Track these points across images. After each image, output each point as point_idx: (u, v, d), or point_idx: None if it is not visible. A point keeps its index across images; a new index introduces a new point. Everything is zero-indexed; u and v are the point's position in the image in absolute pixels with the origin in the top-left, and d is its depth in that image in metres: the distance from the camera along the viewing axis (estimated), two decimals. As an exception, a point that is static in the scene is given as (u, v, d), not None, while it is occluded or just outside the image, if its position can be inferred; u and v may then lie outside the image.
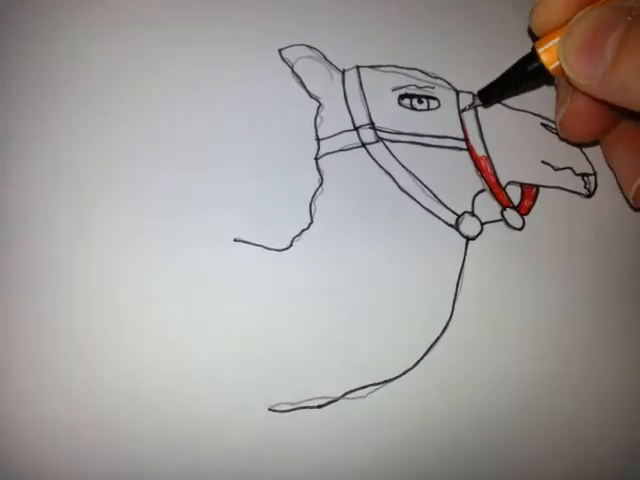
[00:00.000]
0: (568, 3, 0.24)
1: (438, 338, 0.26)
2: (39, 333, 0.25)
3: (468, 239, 0.27)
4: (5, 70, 0.27)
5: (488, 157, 0.28)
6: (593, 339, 0.27)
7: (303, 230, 0.27)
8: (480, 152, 0.28)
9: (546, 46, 0.25)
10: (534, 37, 0.26)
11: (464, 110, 0.29)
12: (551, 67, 0.25)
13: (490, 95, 0.27)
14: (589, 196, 0.29)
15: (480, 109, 0.29)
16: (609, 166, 0.29)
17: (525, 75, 0.26)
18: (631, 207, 0.29)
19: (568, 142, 0.29)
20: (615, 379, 0.27)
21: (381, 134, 0.28)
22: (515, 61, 0.26)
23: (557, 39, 0.24)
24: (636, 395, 0.27)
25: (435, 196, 0.28)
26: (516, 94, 0.29)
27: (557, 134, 0.29)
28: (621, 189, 0.28)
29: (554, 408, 0.27)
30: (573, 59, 0.23)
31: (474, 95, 0.28)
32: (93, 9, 0.28)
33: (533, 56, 0.25)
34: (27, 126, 0.26)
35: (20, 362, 0.24)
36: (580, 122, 0.26)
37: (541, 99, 0.29)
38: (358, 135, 0.28)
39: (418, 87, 0.29)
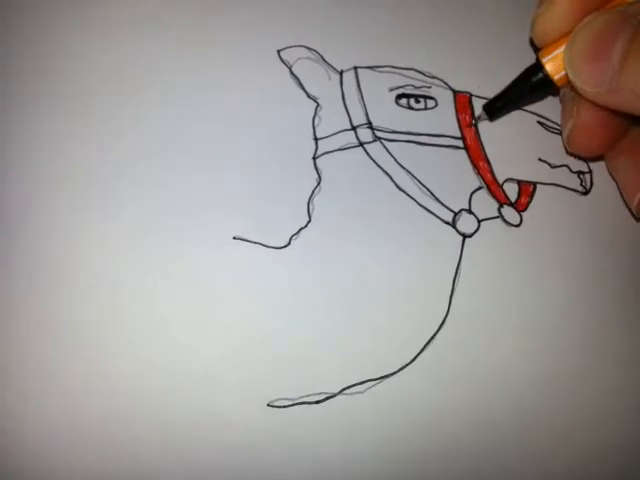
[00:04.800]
0: (572, 10, 0.23)
1: (435, 334, 0.26)
2: (41, 333, 0.25)
3: (465, 236, 0.28)
4: (6, 71, 0.27)
5: (485, 155, 0.29)
6: (590, 336, 0.27)
7: (301, 228, 0.27)
8: (477, 151, 0.29)
9: (550, 55, 0.24)
10: (535, 49, 0.26)
11: (472, 125, 0.28)
12: (556, 77, 0.24)
13: (495, 108, 0.27)
14: (585, 193, 0.29)
15: (477, 110, 0.29)
16: (612, 177, 0.29)
17: (530, 87, 0.26)
18: (634, 218, 0.28)
19: (576, 156, 0.29)
20: (613, 377, 0.27)
21: (378, 133, 0.28)
22: (518, 69, 0.26)
23: (562, 48, 0.24)
24: (635, 394, 0.27)
25: (432, 194, 0.28)
26: (522, 106, 0.29)
27: (554, 133, 0.29)
28: (624, 200, 0.28)
29: (552, 405, 0.27)
30: (579, 66, 0.23)
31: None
32: (93, 11, 0.28)
33: (537, 67, 0.25)
34: (28, 128, 0.27)
35: (22, 362, 0.25)
36: (588, 136, 0.26)
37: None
38: (356, 134, 0.28)
39: (415, 87, 0.29)
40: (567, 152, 0.28)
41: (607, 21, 0.22)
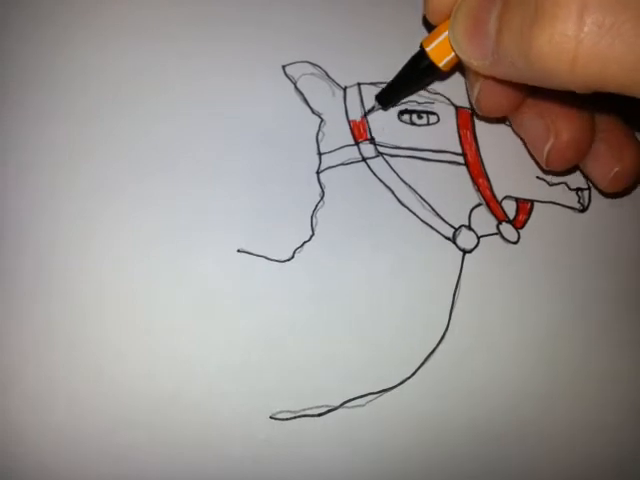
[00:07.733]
0: None
1: (435, 348, 0.27)
2: (45, 340, 0.25)
3: (465, 252, 0.28)
4: (7, 80, 0.27)
5: (485, 172, 0.29)
6: (588, 350, 0.28)
7: (304, 242, 0.27)
8: (477, 167, 0.29)
9: (434, 43, 0.25)
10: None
11: (367, 114, 0.29)
12: (441, 64, 0.25)
13: (388, 98, 0.28)
14: (583, 211, 0.29)
15: (478, 126, 0.29)
16: (516, 134, 0.29)
17: (418, 74, 0.27)
18: (542, 170, 0.29)
19: (487, 120, 0.29)
20: (611, 390, 0.28)
21: (381, 149, 0.29)
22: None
23: (444, 34, 0.25)
24: (631, 407, 0.28)
25: (433, 210, 0.28)
26: (415, 92, 0.29)
27: None
28: (531, 154, 0.29)
29: (551, 419, 0.27)
30: (462, 42, 0.23)
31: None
32: (94, 19, 0.28)
33: (422, 54, 0.26)
34: (29, 136, 0.27)
35: (26, 368, 0.25)
36: (495, 97, 0.26)
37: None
38: (359, 150, 0.29)
39: (418, 103, 0.29)
40: (478, 117, 0.29)
41: None
